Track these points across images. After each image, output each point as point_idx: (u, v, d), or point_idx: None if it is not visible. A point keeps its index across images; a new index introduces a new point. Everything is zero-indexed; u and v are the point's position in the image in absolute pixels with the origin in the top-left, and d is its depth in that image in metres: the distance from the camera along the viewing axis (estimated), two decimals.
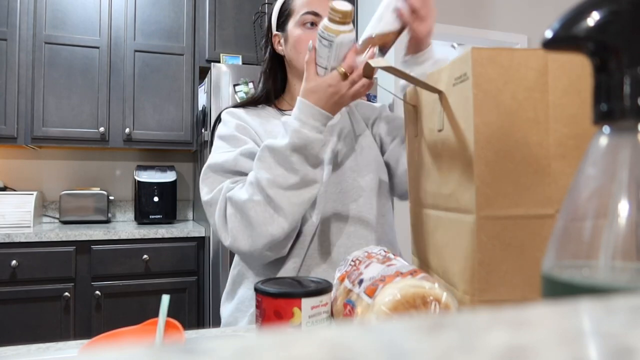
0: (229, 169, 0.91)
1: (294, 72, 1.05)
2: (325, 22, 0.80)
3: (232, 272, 1.04)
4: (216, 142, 0.99)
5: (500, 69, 0.55)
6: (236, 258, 1.03)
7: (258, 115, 1.04)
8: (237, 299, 0.99)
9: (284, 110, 1.04)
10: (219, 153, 0.94)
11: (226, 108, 1.07)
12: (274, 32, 1.06)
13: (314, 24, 1.00)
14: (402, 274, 0.61)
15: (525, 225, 0.54)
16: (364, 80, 0.80)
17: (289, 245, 0.90)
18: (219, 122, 1.04)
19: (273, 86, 1.07)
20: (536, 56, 0.55)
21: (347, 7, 0.77)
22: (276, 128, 0.97)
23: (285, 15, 1.04)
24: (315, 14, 1.00)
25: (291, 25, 1.02)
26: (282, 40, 1.04)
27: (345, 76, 0.80)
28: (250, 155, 0.90)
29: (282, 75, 1.09)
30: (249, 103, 1.07)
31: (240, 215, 0.84)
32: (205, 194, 0.92)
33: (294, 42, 1.01)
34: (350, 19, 0.77)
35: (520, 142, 0.54)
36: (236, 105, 1.07)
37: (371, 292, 0.59)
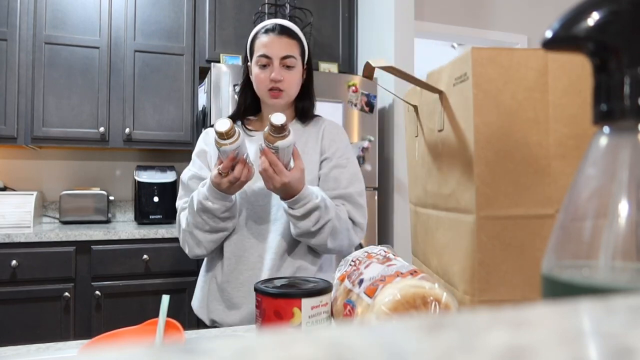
0: (185, 186, 1.23)
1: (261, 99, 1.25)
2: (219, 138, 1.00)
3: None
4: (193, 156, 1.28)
5: (500, 69, 0.55)
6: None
7: None
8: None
9: (250, 131, 1.26)
10: (187, 169, 1.25)
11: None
12: (248, 61, 1.26)
13: (265, 66, 1.19)
14: (402, 274, 0.61)
15: (525, 225, 0.54)
16: (239, 180, 1.04)
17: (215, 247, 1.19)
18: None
19: (242, 107, 1.28)
20: (536, 56, 0.55)
21: (224, 127, 0.97)
22: None
23: (251, 51, 1.23)
24: (266, 56, 1.18)
25: (253, 61, 1.22)
26: (250, 72, 1.23)
27: (222, 175, 1.04)
28: (199, 179, 1.20)
29: (254, 98, 1.27)
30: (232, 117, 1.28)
31: (181, 236, 1.21)
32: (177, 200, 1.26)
33: (254, 78, 1.22)
34: (229, 137, 0.98)
35: (520, 142, 0.54)
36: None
37: (371, 292, 0.59)
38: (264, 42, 1.19)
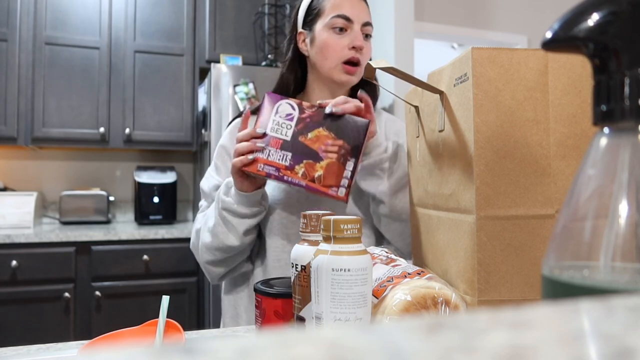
0: (208, 195, 1.03)
1: (316, 74, 1.02)
2: None
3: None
4: (214, 157, 1.07)
5: (501, 69, 0.55)
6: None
7: None
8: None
9: None
10: (206, 178, 1.05)
11: (240, 114, 1.06)
12: (299, 29, 1.02)
13: (343, 29, 0.96)
14: (410, 275, 0.61)
15: (525, 225, 0.54)
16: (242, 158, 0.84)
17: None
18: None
19: (292, 86, 1.03)
20: (536, 56, 0.55)
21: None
22: None
23: (314, 13, 0.99)
24: (347, 19, 0.96)
25: (319, 26, 0.98)
26: (307, 40, 1.01)
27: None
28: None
29: (302, 74, 1.05)
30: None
31: (201, 243, 0.98)
32: (198, 213, 1.05)
33: (321, 46, 0.97)
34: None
35: (520, 142, 0.54)
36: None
37: (378, 293, 0.59)
38: (341, 1, 0.96)
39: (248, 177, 0.87)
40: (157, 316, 0.65)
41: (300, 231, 0.64)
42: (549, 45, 0.27)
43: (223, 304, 1.07)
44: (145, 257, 2.28)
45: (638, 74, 0.24)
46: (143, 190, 2.56)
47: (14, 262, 2.10)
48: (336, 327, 0.29)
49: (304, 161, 0.82)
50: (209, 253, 0.96)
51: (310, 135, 0.83)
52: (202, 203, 1.04)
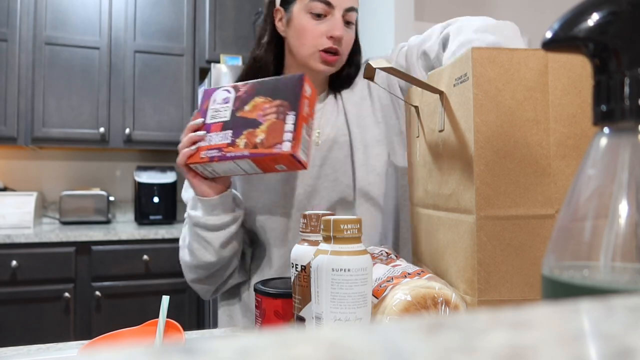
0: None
1: (293, 58, 0.93)
2: None
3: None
4: None
5: (500, 69, 0.55)
6: None
7: None
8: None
9: None
10: (186, 189, 0.96)
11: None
12: (277, 5, 0.93)
13: (321, 15, 0.86)
14: (410, 275, 0.61)
15: (525, 225, 0.54)
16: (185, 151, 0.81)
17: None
18: None
19: (270, 68, 0.94)
20: (536, 56, 0.55)
21: None
22: None
23: None
24: (327, 3, 0.86)
25: (297, 7, 0.88)
26: (284, 19, 0.91)
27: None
28: None
29: (279, 56, 0.95)
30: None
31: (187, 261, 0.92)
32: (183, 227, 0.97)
33: (297, 30, 0.88)
34: None
35: (520, 142, 0.54)
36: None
37: (378, 293, 0.59)
38: None
39: (205, 179, 0.83)
40: (157, 316, 0.65)
41: (300, 231, 0.64)
42: (549, 45, 0.27)
43: (219, 315, 1.03)
44: (145, 257, 2.28)
45: (638, 74, 0.24)
46: (143, 190, 2.56)
47: (14, 262, 2.10)
48: (336, 327, 0.29)
49: (245, 132, 0.77)
50: (191, 272, 0.91)
51: (247, 107, 0.79)
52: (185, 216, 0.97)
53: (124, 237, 2.25)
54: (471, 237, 0.55)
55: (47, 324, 2.15)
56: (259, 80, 0.82)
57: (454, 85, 0.60)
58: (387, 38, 2.50)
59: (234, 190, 0.90)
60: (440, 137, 0.64)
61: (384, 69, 0.65)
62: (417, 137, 0.75)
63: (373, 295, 0.58)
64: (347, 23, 0.89)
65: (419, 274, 0.61)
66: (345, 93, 0.98)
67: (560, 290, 0.25)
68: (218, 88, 0.84)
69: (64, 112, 2.47)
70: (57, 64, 2.46)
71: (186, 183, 0.97)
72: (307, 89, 0.77)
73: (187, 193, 0.96)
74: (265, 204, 0.93)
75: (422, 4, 3.05)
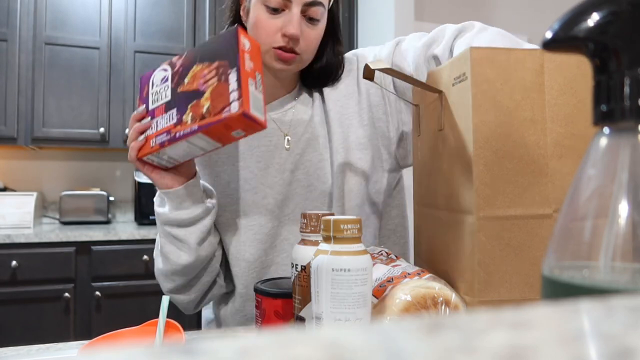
0: None
1: None
2: None
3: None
4: None
5: (498, 68, 0.55)
6: None
7: None
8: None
9: None
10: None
11: None
12: None
13: (277, 10, 0.78)
14: (409, 275, 0.61)
15: (523, 225, 0.54)
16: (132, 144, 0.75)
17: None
18: None
19: None
20: (533, 56, 0.55)
21: None
22: None
23: None
24: None
25: None
26: (245, 9, 0.84)
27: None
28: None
29: None
30: None
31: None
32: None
33: (252, 24, 0.81)
34: None
35: (518, 142, 0.55)
36: None
37: (378, 293, 0.59)
38: None
39: (166, 171, 0.77)
40: (157, 316, 0.65)
41: (300, 231, 0.64)
42: (549, 45, 0.27)
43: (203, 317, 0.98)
44: (145, 257, 2.28)
45: (638, 74, 0.24)
46: (143, 190, 2.56)
47: (14, 262, 2.10)
48: (336, 327, 0.29)
49: (189, 106, 0.71)
50: (167, 280, 0.84)
51: (186, 80, 0.73)
52: None
53: (124, 237, 2.25)
54: (471, 238, 0.55)
55: (47, 324, 2.15)
56: (193, 48, 0.74)
57: (453, 85, 0.60)
58: (387, 38, 2.50)
59: (202, 182, 0.83)
60: (440, 136, 0.64)
61: (382, 70, 0.65)
62: (419, 136, 0.75)
63: (373, 295, 0.58)
64: (311, 19, 0.80)
65: (419, 274, 0.61)
66: (327, 90, 0.90)
67: (560, 290, 0.25)
68: (154, 70, 0.78)
69: (64, 112, 2.47)
70: (57, 64, 2.46)
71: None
72: (245, 42, 0.69)
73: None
74: (231, 217, 0.86)
75: (422, 4, 3.05)
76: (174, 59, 0.76)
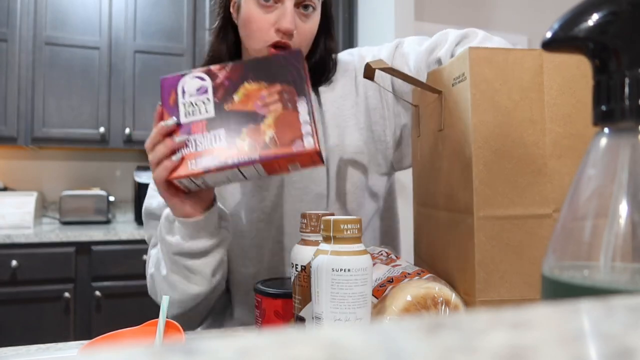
0: (159, 215, 0.81)
1: (246, 49, 0.82)
2: None
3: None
4: None
5: (497, 69, 0.55)
6: None
7: None
8: None
9: None
10: (150, 197, 0.87)
11: None
12: None
13: (269, 2, 0.74)
14: (409, 275, 0.61)
15: (522, 225, 0.54)
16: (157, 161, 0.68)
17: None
18: None
19: (224, 59, 0.83)
20: (531, 56, 0.55)
21: None
22: None
23: None
24: None
25: None
26: (235, 5, 0.80)
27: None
28: None
29: (235, 44, 0.85)
30: None
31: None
32: (148, 241, 0.88)
33: (244, 20, 0.77)
34: None
35: (517, 142, 0.55)
36: None
37: (378, 293, 0.59)
38: None
39: (187, 195, 0.69)
40: (157, 316, 0.65)
41: (300, 231, 0.63)
42: (549, 45, 0.27)
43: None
44: (145, 257, 2.28)
45: (638, 74, 0.24)
46: (143, 190, 2.55)
47: (14, 262, 2.10)
48: (336, 327, 0.29)
49: (244, 130, 0.63)
50: (173, 307, 0.77)
51: (236, 97, 0.65)
52: (152, 232, 0.86)
53: (124, 237, 2.25)
54: (470, 237, 0.55)
55: (47, 324, 2.15)
56: (240, 61, 0.68)
57: (452, 85, 0.60)
58: (387, 38, 2.50)
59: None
60: (440, 136, 0.64)
61: (382, 69, 0.65)
62: (419, 136, 0.75)
63: (373, 295, 0.58)
64: (306, 7, 0.76)
65: (419, 274, 0.61)
66: (323, 90, 0.87)
67: (560, 290, 0.25)
68: (183, 75, 0.68)
69: (64, 112, 2.47)
70: (57, 64, 2.46)
71: (150, 190, 0.86)
72: (306, 68, 0.65)
73: (153, 200, 0.84)
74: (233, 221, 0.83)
75: (422, 4, 3.05)
76: (214, 68, 0.68)
